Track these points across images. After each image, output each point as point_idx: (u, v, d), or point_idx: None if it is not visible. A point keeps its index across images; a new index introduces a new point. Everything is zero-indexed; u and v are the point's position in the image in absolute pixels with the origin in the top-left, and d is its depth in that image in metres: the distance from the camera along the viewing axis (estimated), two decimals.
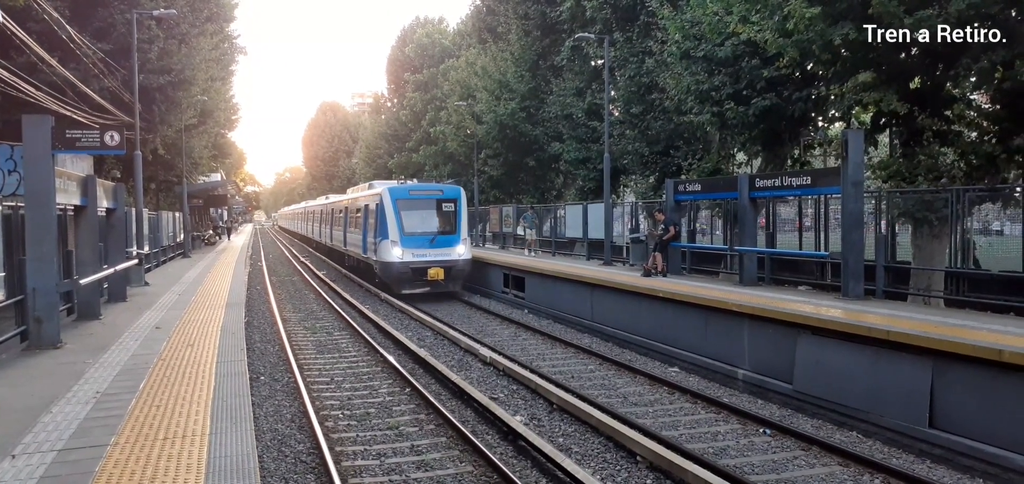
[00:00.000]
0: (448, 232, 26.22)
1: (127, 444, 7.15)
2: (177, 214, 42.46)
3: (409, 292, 25.39)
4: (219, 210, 67.33)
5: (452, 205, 26.62)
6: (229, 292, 20.51)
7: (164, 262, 32.76)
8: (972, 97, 16.97)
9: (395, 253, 25.26)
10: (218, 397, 8.97)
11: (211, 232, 57.29)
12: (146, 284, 22.36)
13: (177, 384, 9.61)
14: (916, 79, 16.76)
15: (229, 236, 61.74)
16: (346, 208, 36.54)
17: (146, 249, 26.38)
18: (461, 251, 26.02)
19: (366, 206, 29.55)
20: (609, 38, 28.18)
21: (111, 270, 16.81)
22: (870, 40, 15.27)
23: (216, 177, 60.73)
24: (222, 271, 28.07)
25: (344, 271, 37.06)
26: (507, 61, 41.14)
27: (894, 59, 15.97)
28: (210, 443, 7.19)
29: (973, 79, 15.87)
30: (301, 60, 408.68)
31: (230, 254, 39.95)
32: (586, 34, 29.58)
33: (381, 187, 27.35)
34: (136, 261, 21.24)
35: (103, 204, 17.04)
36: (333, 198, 47.86)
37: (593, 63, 33.63)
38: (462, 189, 27.87)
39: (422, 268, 25.22)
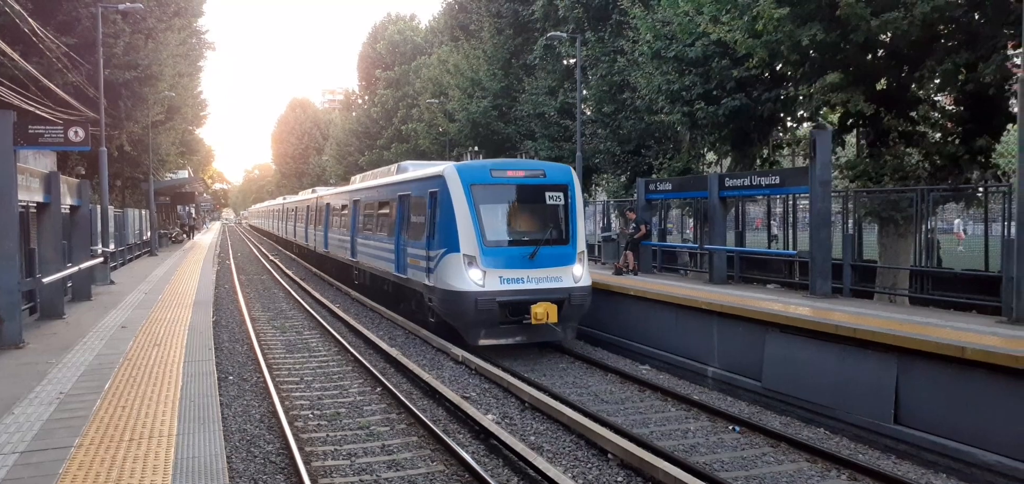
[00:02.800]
0: (556, 240, 15.87)
1: (92, 446, 7.02)
2: (144, 212, 41.81)
3: (494, 342, 15.22)
4: (187, 208, 66.45)
5: (560, 195, 16.09)
6: (197, 291, 20.24)
7: (130, 260, 32.24)
8: (936, 98, 17.29)
9: (472, 277, 15.04)
10: (185, 397, 8.85)
11: (178, 230, 56.49)
12: (112, 283, 21.99)
13: (143, 384, 9.46)
14: (882, 80, 17.04)
15: (191, 235, 60.25)
16: (354, 203, 25.92)
17: (112, 247, 25.91)
18: (578, 273, 15.64)
19: (404, 198, 19.28)
20: (581, 37, 28.28)
21: (75, 268, 16.51)
22: (838, 42, 15.49)
23: (184, 174, 59.92)
24: (190, 270, 27.69)
25: (315, 270, 36.59)
26: (480, 59, 41.08)
27: (861, 60, 16.22)
28: (177, 444, 7.09)
29: (937, 81, 16.17)
30: (271, 56, 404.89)
31: (197, 252, 39.44)
32: (558, 33, 29.66)
33: (442, 167, 16.71)
34: (101, 259, 20.86)
35: (67, 201, 16.72)
36: (325, 191, 37.55)
37: (565, 62, 33.71)
38: (573, 170, 17.12)
39: (520, 302, 14.99)
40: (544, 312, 14.73)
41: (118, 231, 30.09)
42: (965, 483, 9.01)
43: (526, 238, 15.73)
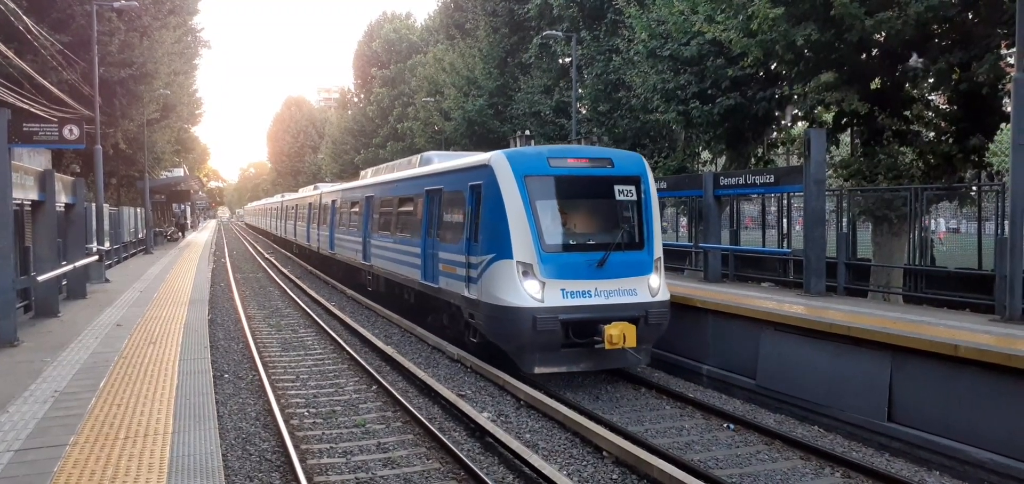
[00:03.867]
0: (628, 244, 13.09)
1: (87, 443, 7.02)
2: (139, 210, 41.74)
3: (555, 370, 12.61)
4: (182, 206, 66.28)
5: (631, 189, 13.31)
6: (192, 289, 20.22)
7: (125, 259, 32.17)
8: (930, 98, 17.37)
9: (528, 290, 12.34)
10: (181, 395, 8.85)
11: (173, 228, 56.37)
12: (107, 281, 21.95)
13: (139, 382, 9.46)
14: (876, 79, 17.11)
15: (183, 233, 59.85)
16: (367, 200, 23.19)
17: (107, 245, 25.88)
18: (655, 284, 12.96)
19: (433, 194, 16.33)
20: (576, 36, 28.33)
21: (70, 267, 16.48)
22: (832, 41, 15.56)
23: (179, 172, 59.77)
24: (185, 268, 27.65)
25: (318, 273, 36.55)
26: (475, 58, 41.11)
27: (855, 60, 16.28)
28: (173, 442, 7.10)
29: (931, 80, 16.25)
30: (266, 54, 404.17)
31: (193, 251, 39.38)
32: (554, 32, 29.71)
33: (488, 155, 13.89)
34: (96, 257, 20.83)
35: (62, 199, 16.70)
36: (330, 187, 34.17)
37: (561, 61, 33.76)
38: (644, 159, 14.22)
39: (587, 321, 12.29)
40: (619, 334, 11.88)
41: (113, 229, 30.04)
42: (958, 480, 9.05)
43: (592, 242, 12.92)
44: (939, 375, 9.72)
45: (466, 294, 13.92)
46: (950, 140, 15.95)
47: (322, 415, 11.16)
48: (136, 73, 29.54)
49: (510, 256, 12.49)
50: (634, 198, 13.33)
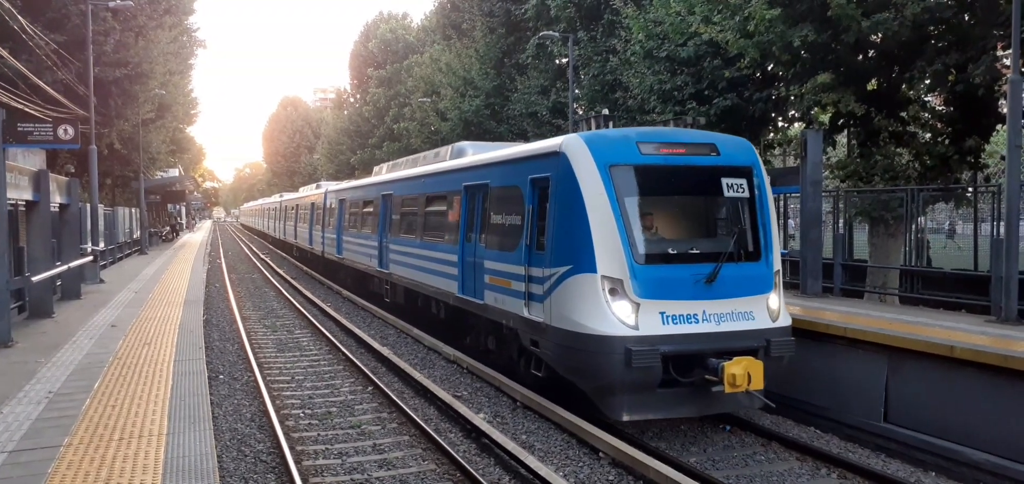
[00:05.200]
0: (742, 254, 10.48)
1: (81, 445, 6.99)
2: (134, 210, 41.64)
3: (649, 416, 10.17)
4: (177, 206, 66.15)
5: (742, 184, 10.73)
6: (187, 289, 20.18)
7: (120, 259, 32.10)
8: (926, 99, 17.40)
9: (618, 313, 9.76)
10: (176, 396, 8.82)
11: (169, 228, 56.24)
12: (101, 281, 21.88)
13: (133, 383, 9.42)
14: (873, 81, 17.13)
15: (178, 234, 59.53)
16: (384, 198, 20.72)
17: (101, 246, 25.79)
18: (775, 305, 10.40)
19: (475, 190, 13.96)
20: (573, 37, 28.30)
21: (64, 267, 16.42)
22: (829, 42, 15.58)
23: (174, 172, 59.69)
24: (180, 268, 27.59)
25: (305, 268, 36.47)
26: (472, 58, 41.05)
27: (852, 61, 16.29)
28: (168, 443, 7.07)
29: (927, 81, 16.27)
30: (262, 54, 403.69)
31: (188, 251, 39.30)
32: (551, 32, 29.68)
33: (559, 140, 11.09)
34: (91, 258, 20.76)
35: (56, 199, 16.64)
36: (336, 186, 31.07)
37: (557, 61, 33.74)
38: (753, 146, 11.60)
39: (694, 354, 9.71)
40: (743, 373, 9.13)
41: (108, 230, 29.96)
42: (954, 481, 9.05)
43: (697, 251, 10.33)
44: (935, 376, 9.72)
45: (525, 315, 11.25)
46: (946, 141, 15.98)
47: (318, 416, 11.13)
48: (131, 73, 29.45)
49: (592, 269, 9.80)
50: (746, 194, 10.64)
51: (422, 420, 10.49)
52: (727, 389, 9.23)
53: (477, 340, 14.37)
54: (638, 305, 9.70)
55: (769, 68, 19.27)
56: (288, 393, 12.51)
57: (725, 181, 10.64)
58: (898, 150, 16.80)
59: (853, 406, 10.64)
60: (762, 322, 10.10)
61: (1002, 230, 12.48)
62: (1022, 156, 11.43)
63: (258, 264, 40.00)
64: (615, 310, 9.70)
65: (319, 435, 10.22)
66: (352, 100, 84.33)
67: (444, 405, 11.38)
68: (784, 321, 10.39)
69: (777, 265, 10.60)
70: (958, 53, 14.80)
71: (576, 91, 29.17)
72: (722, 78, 19.95)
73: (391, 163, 23.70)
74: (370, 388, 12.71)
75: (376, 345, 15.90)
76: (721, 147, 10.82)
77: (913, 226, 15.23)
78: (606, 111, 14.22)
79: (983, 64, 14.14)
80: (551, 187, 10.83)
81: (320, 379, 13.52)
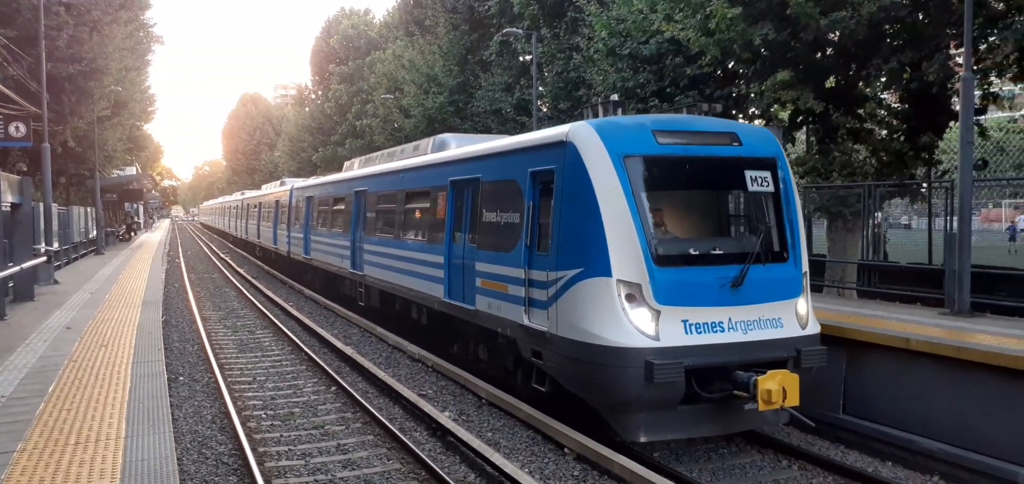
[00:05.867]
0: (769, 254, 9.55)
1: (35, 450, 6.81)
2: (89, 209, 40.74)
3: (669, 437, 9.34)
4: (134, 205, 64.90)
5: (767, 177, 9.80)
6: (145, 290, 19.82)
7: (75, 259, 31.37)
8: (883, 96, 17.74)
9: (636, 322, 8.79)
10: (134, 399, 8.65)
11: (124, 228, 55.16)
12: (56, 283, 21.37)
13: (90, 386, 9.21)
14: (831, 78, 17.42)
15: (135, 233, 58.07)
16: (357, 195, 19.71)
17: (55, 246, 25.19)
18: (803, 311, 9.57)
19: (464, 186, 12.96)
20: (537, 34, 28.35)
21: (16, 268, 16.00)
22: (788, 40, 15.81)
23: (131, 171, 58.53)
24: (138, 268, 27.07)
25: (268, 269, 36.03)
26: (435, 55, 40.90)
27: (811, 59, 16.55)
28: (126, 447, 6.93)
29: (883, 79, 16.59)
30: (221, 50, 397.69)
31: (146, 251, 38.59)
32: (514, 29, 29.68)
33: (566, 129, 10.06)
34: (44, 259, 20.26)
35: (7, 199, 16.21)
36: (303, 182, 30.02)
37: (521, 58, 33.77)
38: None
39: (719, 366, 8.86)
40: (778, 388, 8.30)
41: (62, 229, 29.28)
42: (911, 471, 9.25)
43: (721, 252, 9.42)
44: (892, 368, 9.93)
45: (525, 323, 10.24)
46: (902, 138, 16.31)
47: (280, 417, 11.00)
48: (86, 69, 28.77)
49: (606, 272, 8.82)
50: (770, 188, 9.72)
51: (387, 419, 10.43)
52: (761, 406, 8.37)
53: (466, 349, 13.28)
54: (658, 312, 8.73)
55: (730, 66, 19.48)
56: (250, 394, 12.34)
57: (748, 174, 9.67)
58: (855, 147, 17.11)
59: (812, 399, 10.81)
60: (791, 330, 9.25)
61: (955, 225, 12.78)
62: (974, 152, 11.71)
63: (218, 264, 39.41)
64: (633, 318, 8.72)
65: (282, 436, 10.10)
66: (314, 97, 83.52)
67: (409, 404, 11.33)
68: (813, 328, 9.50)
69: (805, 266, 9.72)
70: (913, 51, 15.11)
71: (540, 88, 29.22)
72: (684, 76, 20.12)
73: (364, 158, 22.34)
74: (333, 388, 12.60)
75: (339, 344, 15.76)
76: (743, 136, 9.88)
77: (870, 221, 15.53)
78: (615, 97, 12.34)
79: (937, 62, 14.45)
80: (556, 181, 9.76)
81: (282, 379, 13.36)
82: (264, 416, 11.04)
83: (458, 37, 39.06)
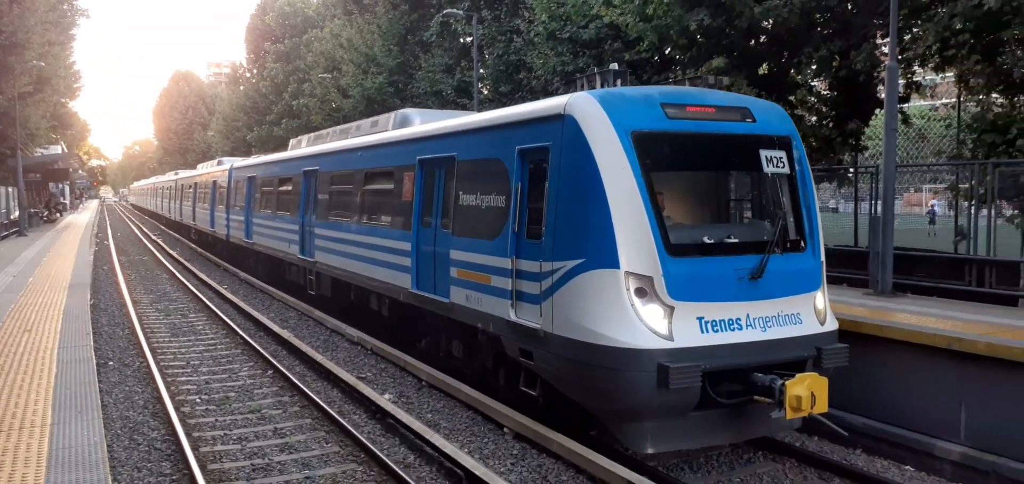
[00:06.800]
0: (789, 243, 8.79)
1: None
2: (11, 189, 39.12)
3: (681, 446, 8.57)
4: (60, 185, 62.52)
5: (782, 157, 8.93)
6: (72, 273, 19.18)
7: None
8: (813, 84, 18.28)
9: (647, 320, 7.81)
10: (61, 385, 8.41)
11: (47, 208, 53.15)
12: None
13: (12, 372, 8.90)
14: (764, 65, 17.87)
15: (61, 214, 55.97)
16: (307, 175, 18.22)
17: None
18: (821, 305, 8.75)
19: (434, 165, 11.72)
20: (477, 16, 28.25)
21: None
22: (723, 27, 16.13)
23: (56, 150, 56.30)
24: (64, 251, 26.14)
25: (205, 253, 35.17)
26: (374, 34, 40.38)
27: (745, 46, 16.93)
28: (52, 434, 6.73)
29: (814, 67, 17.10)
30: (152, 26, 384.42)
31: (73, 232, 37.26)
32: (454, 10, 29.52)
33: (563, 100, 8.90)
34: None
35: None
36: (244, 162, 28.28)
37: (462, 40, 33.62)
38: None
39: (739, 369, 7.99)
40: (807, 394, 7.55)
41: None
42: (835, 445, 9.58)
43: (736, 240, 8.60)
44: None
45: (512, 318, 9.16)
46: (830, 124, 16.84)
47: (215, 402, 10.81)
48: (5, 42, 27.56)
49: (613, 264, 7.86)
50: (786, 170, 8.91)
51: (325, 403, 10.36)
52: (789, 414, 7.51)
53: (436, 344, 12.15)
54: (672, 309, 7.81)
55: (667, 52, 19.78)
56: (183, 379, 12.09)
57: (764, 154, 8.80)
58: None
59: None
60: (810, 326, 8.47)
61: (879, 208, 13.30)
62: (898, 139, 12.18)
63: (150, 246, 38.32)
64: (644, 316, 7.76)
65: (217, 421, 9.94)
66: (249, 75, 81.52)
67: (348, 387, 11.27)
68: (831, 324, 8.78)
69: (822, 256, 8.95)
70: (842, 40, 15.60)
71: (481, 71, 29.16)
72: (622, 60, 20.34)
73: (314, 135, 20.90)
74: (270, 372, 12.43)
75: (276, 328, 15.54)
76: (756, 112, 9.04)
77: None
78: (615, 66, 10.88)
79: (864, 51, 14.95)
80: (552, 160, 8.68)
81: (217, 363, 13.12)
82: (199, 401, 10.84)
83: (397, 17, 38.64)
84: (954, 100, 18.26)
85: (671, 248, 7.87)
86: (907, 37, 15.18)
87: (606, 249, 7.88)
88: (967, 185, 13.43)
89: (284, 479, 7.99)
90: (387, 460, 8.21)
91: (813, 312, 8.57)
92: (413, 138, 12.85)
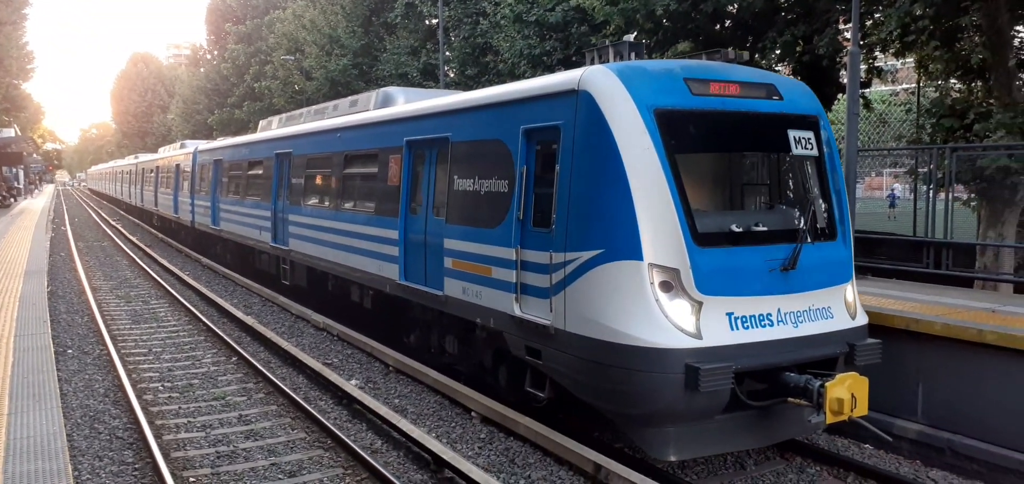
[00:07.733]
0: (821, 231, 8.21)
1: None
2: None
3: (706, 452, 7.98)
4: (13, 169, 60.93)
5: (810, 138, 8.31)
6: (28, 260, 18.73)
7: None
8: (777, 68, 18.46)
9: (674, 316, 7.15)
10: (17, 374, 8.21)
11: (2, 194, 51.79)
12: None
13: None
14: (730, 49, 17.98)
15: (15, 199, 54.66)
16: (279, 158, 17.38)
17: None
18: (850, 297, 8.22)
19: (424, 147, 11.01)
20: None
21: None
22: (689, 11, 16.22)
23: (9, 133, 54.78)
24: (19, 236, 25.51)
25: (167, 240, 34.58)
26: (338, 16, 39.87)
27: (710, 30, 17.04)
28: (9, 424, 6.58)
29: (778, 51, 17.27)
30: (109, 6, 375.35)
31: (28, 218, 36.36)
32: None
33: (577, 74, 8.03)
34: None
35: None
36: (208, 145, 26.90)
37: (427, 22, 33.37)
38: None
39: (770, 369, 7.45)
40: (848, 395, 7.05)
41: None
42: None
43: (765, 229, 7.99)
44: None
45: (517, 313, 8.45)
46: None
47: (178, 389, 10.66)
48: None
49: (635, 255, 7.19)
50: (814, 152, 8.32)
51: (291, 389, 10.27)
52: (830, 418, 6.99)
53: (427, 339, 11.41)
54: (700, 304, 7.19)
55: (633, 36, 19.83)
56: (145, 366, 11.89)
57: (792, 134, 8.15)
58: None
59: None
60: (841, 321, 7.94)
61: None
62: (859, 123, 12.36)
63: (108, 232, 37.58)
64: (670, 312, 7.12)
65: (180, 408, 9.80)
66: (209, 57, 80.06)
67: (314, 373, 11.18)
68: (862, 318, 8.26)
69: (851, 245, 8.46)
70: (805, 25, 15.77)
71: (447, 53, 28.98)
72: (589, 44, 20.36)
73: (286, 116, 19.69)
74: (234, 359, 12.29)
75: (239, 314, 15.36)
76: (782, 89, 8.39)
77: None
78: (630, 38, 10.04)
79: (827, 36, 15.14)
80: (563, 140, 7.88)
81: (180, 351, 12.93)
82: (161, 388, 10.68)
83: None
84: (914, 85, 18.60)
85: (699, 238, 7.26)
86: (869, 23, 15.39)
87: (628, 239, 7.21)
88: (926, 169, 13.69)
89: (249, 466, 7.91)
90: (354, 446, 8.17)
91: (844, 306, 8.08)
92: (400, 117, 11.98)
